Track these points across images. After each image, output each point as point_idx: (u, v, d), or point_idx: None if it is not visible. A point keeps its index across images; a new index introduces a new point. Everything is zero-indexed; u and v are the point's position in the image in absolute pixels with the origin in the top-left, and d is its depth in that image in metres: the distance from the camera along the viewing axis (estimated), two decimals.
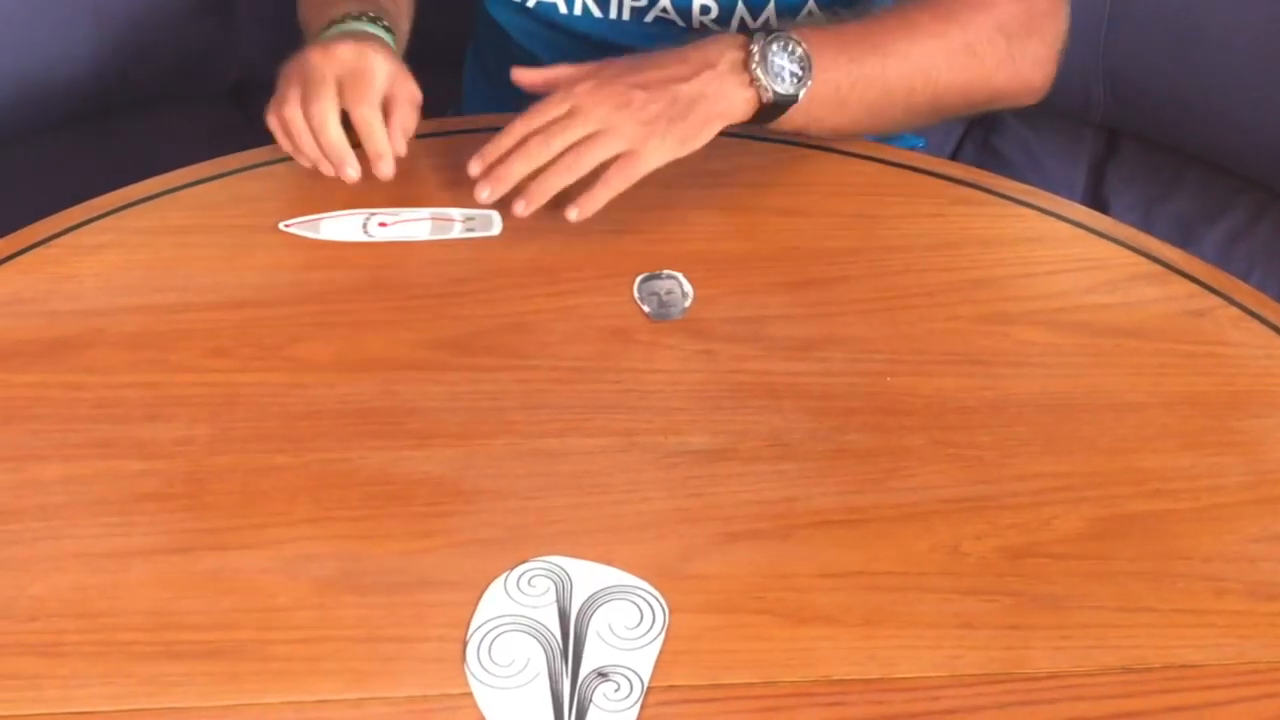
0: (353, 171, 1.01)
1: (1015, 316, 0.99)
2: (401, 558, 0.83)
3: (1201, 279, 1.02)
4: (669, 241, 1.03)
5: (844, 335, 0.97)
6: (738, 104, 1.03)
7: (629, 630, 0.79)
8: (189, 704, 0.76)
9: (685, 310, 0.98)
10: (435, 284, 0.99)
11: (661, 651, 0.78)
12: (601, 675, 0.77)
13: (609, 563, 0.82)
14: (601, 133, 1.00)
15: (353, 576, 0.81)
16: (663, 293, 0.99)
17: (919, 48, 1.07)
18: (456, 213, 1.04)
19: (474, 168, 1.01)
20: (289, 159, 1.07)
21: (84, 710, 0.75)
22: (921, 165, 1.12)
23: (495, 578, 0.81)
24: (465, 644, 0.78)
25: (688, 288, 1.00)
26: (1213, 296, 1.00)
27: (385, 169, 1.01)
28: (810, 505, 0.86)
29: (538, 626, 0.79)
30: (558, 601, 0.80)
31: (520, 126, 1.01)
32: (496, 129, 1.03)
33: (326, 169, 1.02)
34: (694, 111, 1.02)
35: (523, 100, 1.05)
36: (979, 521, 0.85)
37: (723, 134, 1.07)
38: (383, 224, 1.03)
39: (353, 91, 1.01)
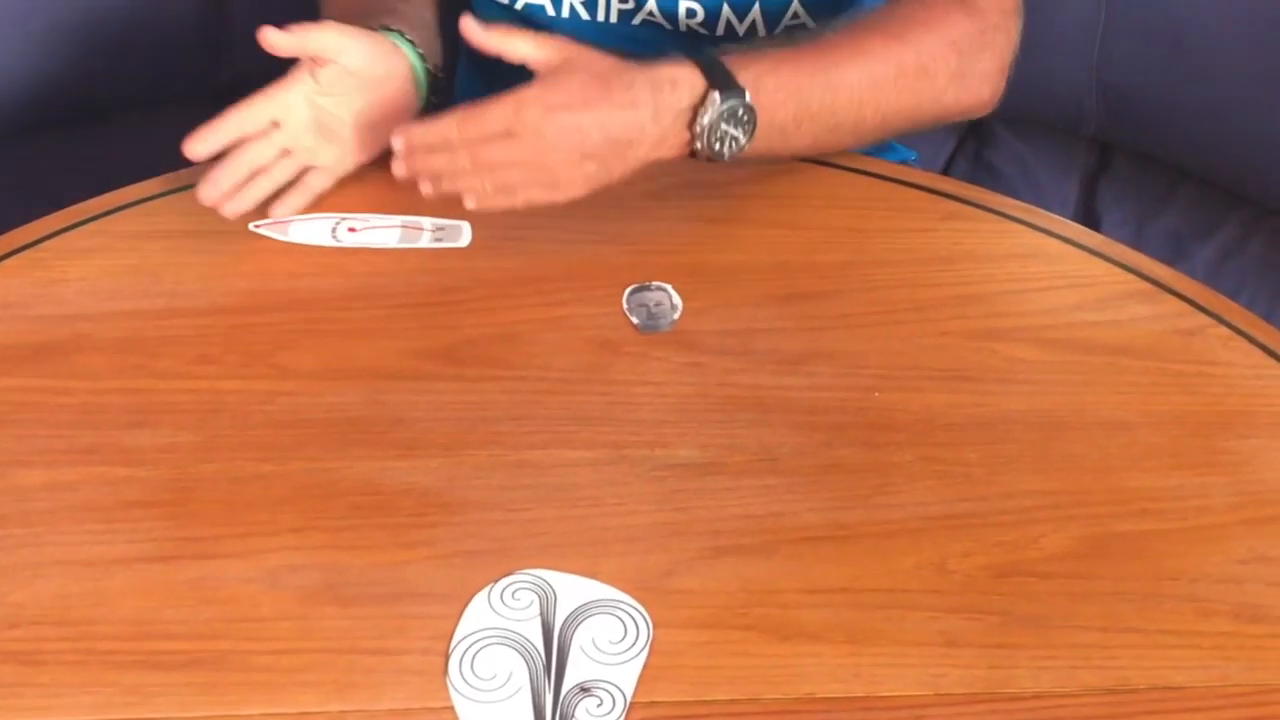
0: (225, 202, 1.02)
1: (1005, 333, 0.99)
2: (385, 569, 0.82)
3: (1192, 298, 1.02)
4: (658, 253, 1.03)
5: (833, 350, 0.97)
6: (673, 151, 1.02)
7: (613, 645, 0.79)
8: (169, 714, 0.75)
9: (674, 322, 0.98)
10: (424, 293, 0.99)
11: (645, 667, 0.78)
12: (584, 690, 0.77)
13: (594, 576, 0.82)
14: (531, 167, 0.99)
15: (336, 587, 0.81)
16: (652, 304, 0.99)
17: (869, 76, 1.06)
18: (427, 221, 1.04)
19: (397, 143, 1.00)
20: None
21: (63, 719, 0.75)
22: (913, 180, 1.12)
23: (479, 590, 0.81)
24: (448, 657, 0.78)
25: (677, 300, 0.99)
26: (1203, 315, 1.00)
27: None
28: (797, 521, 0.86)
29: (521, 640, 0.79)
30: (541, 615, 0.80)
31: (454, 128, 0.99)
32: None
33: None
34: (626, 156, 1.00)
35: None
36: (966, 539, 0.85)
37: None
38: (352, 229, 1.03)
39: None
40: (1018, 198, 1.12)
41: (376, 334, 0.96)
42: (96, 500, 0.85)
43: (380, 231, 1.03)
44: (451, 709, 0.76)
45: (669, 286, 1.00)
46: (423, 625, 0.79)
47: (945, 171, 1.57)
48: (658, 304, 0.99)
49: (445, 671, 0.77)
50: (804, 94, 1.05)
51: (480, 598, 0.81)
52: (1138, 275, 1.03)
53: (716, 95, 1.00)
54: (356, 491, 0.86)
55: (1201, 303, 1.01)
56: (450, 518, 0.85)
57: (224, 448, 0.88)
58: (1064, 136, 1.57)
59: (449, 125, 0.99)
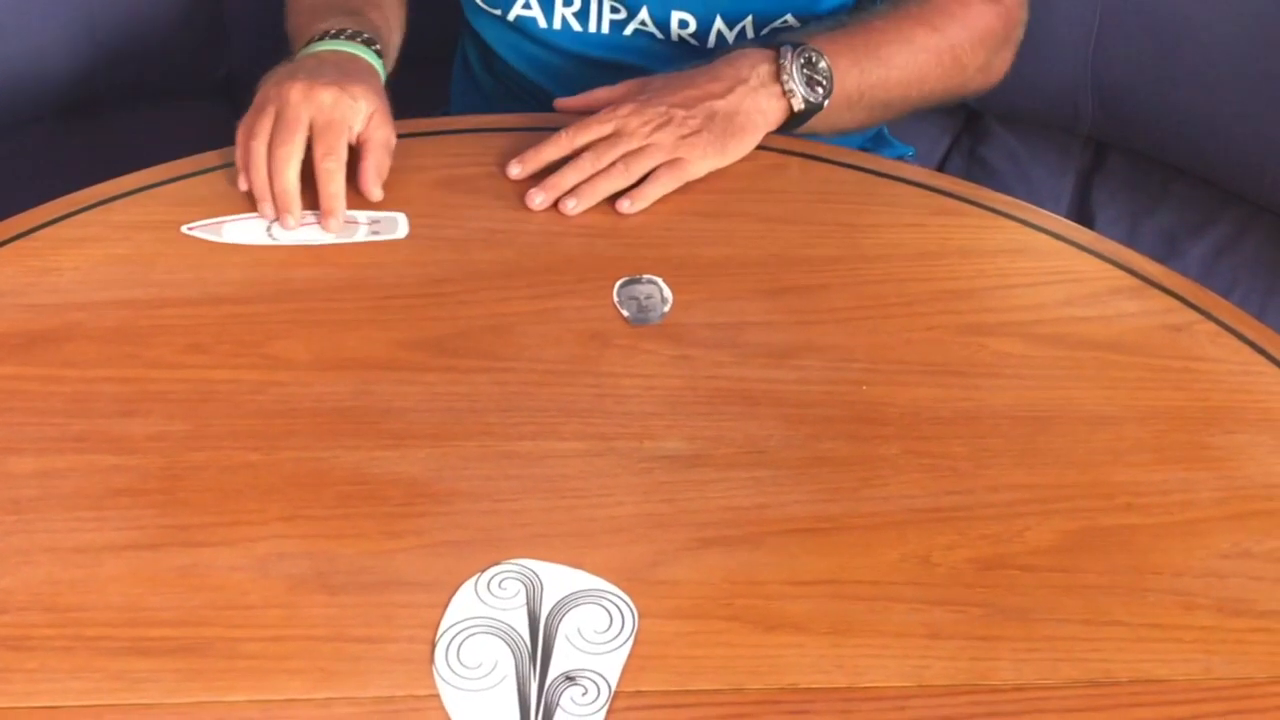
0: (293, 222, 1.01)
1: (993, 328, 0.99)
2: (373, 558, 0.83)
3: (1181, 294, 1.02)
4: (649, 246, 1.03)
5: (822, 343, 0.97)
6: (771, 115, 1.09)
7: (598, 634, 0.79)
8: (156, 700, 0.76)
9: (664, 315, 0.98)
10: (414, 284, 0.99)
11: (630, 656, 0.78)
12: (569, 679, 0.77)
13: (580, 566, 0.82)
14: (647, 148, 1.05)
15: (324, 576, 0.82)
16: (642, 297, 0.99)
17: (915, 60, 1.15)
18: (362, 215, 1.04)
19: (515, 170, 1.06)
20: None
21: (51, 705, 0.75)
22: (904, 175, 1.12)
23: (466, 579, 0.81)
24: (434, 645, 0.78)
25: (667, 293, 1.00)
26: (1191, 312, 1.01)
27: (333, 225, 1.02)
28: (783, 513, 0.86)
29: (507, 629, 0.79)
30: (527, 604, 0.80)
31: (566, 140, 1.06)
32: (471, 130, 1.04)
33: (267, 211, 1.02)
34: (732, 124, 1.08)
35: (510, 108, 1.06)
36: (950, 532, 0.86)
37: None
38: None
39: (322, 140, 1.02)
40: (1012, 194, 1.12)
41: (366, 325, 0.96)
42: (86, 488, 0.85)
43: (315, 228, 1.02)
44: (437, 697, 0.76)
45: (660, 279, 1.01)
46: (410, 614, 0.80)
47: (940, 168, 1.58)
48: (648, 297, 0.99)
49: (431, 660, 0.78)
50: (863, 66, 1.13)
51: (467, 587, 0.81)
52: (1127, 271, 1.04)
53: (789, 50, 1.09)
54: (345, 481, 0.86)
55: (1190, 299, 1.01)
56: (438, 507, 0.85)
57: (214, 437, 0.89)
58: (1059, 134, 1.57)
59: (558, 139, 1.06)
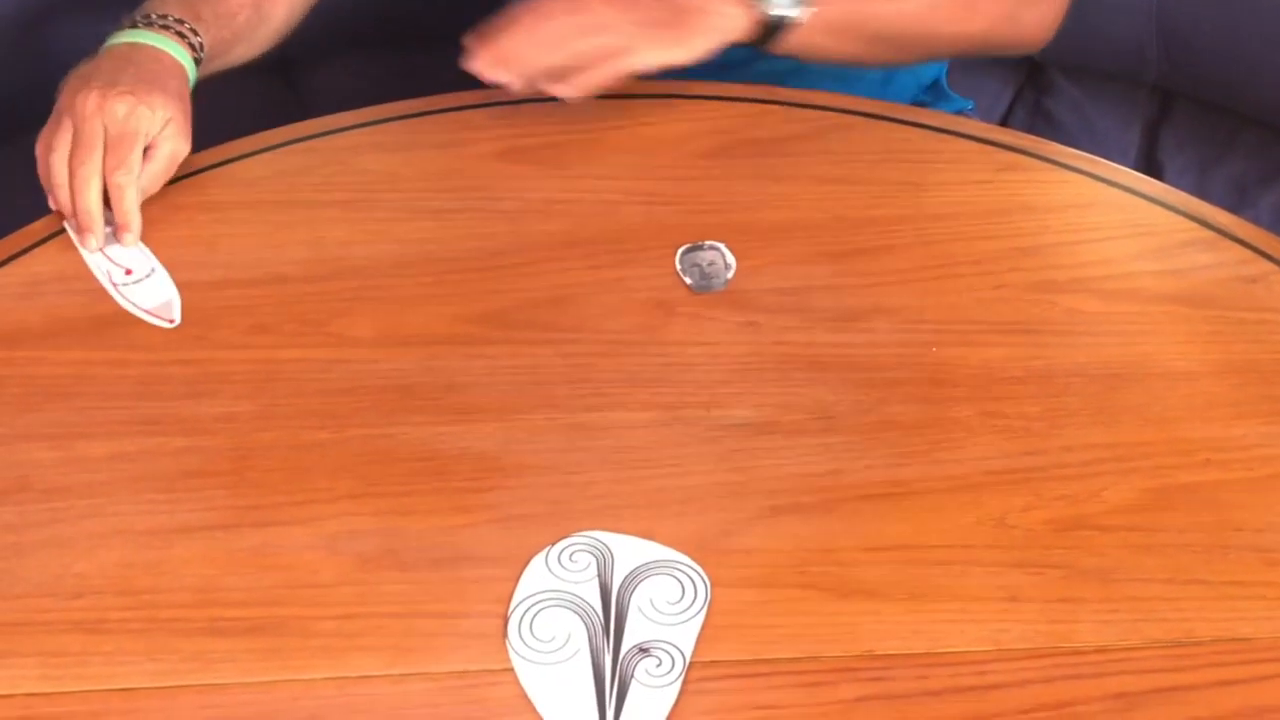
0: (94, 242, 0.99)
1: (1064, 285, 0.97)
2: (443, 534, 0.82)
3: (1255, 244, 1.00)
4: (711, 212, 1.02)
5: (889, 305, 0.96)
6: (735, 20, 1.06)
7: (671, 605, 0.79)
8: (232, 680, 0.76)
9: (728, 281, 0.97)
10: (475, 258, 0.99)
11: (703, 626, 0.78)
12: (643, 650, 0.77)
13: (651, 537, 0.82)
14: (601, 26, 1.04)
15: (395, 553, 0.81)
16: (705, 264, 0.98)
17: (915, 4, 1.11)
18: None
19: (472, 41, 1.04)
20: (330, 133, 1.08)
21: (128, 687, 0.76)
22: (969, 131, 1.10)
23: (536, 553, 0.81)
24: (506, 619, 0.78)
25: (730, 259, 0.99)
26: (1266, 262, 0.98)
27: (127, 240, 0.99)
28: (855, 479, 0.85)
29: (579, 602, 0.79)
30: (599, 576, 0.80)
31: (524, 14, 1.04)
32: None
33: (74, 227, 1.00)
34: (690, 20, 1.05)
35: None
36: (1026, 494, 0.84)
37: (764, 102, 1.06)
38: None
39: (114, 153, 0.99)
40: (1077, 147, 1.10)
41: (428, 300, 0.96)
42: (157, 470, 0.86)
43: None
44: (511, 671, 0.76)
45: (722, 245, 0.99)
46: (481, 588, 0.80)
47: (1003, 122, 1.56)
48: (711, 263, 0.98)
49: (505, 634, 0.77)
50: None
51: (538, 560, 0.81)
52: (1199, 223, 1.02)
53: None
54: (413, 457, 0.86)
55: (1265, 249, 0.99)
56: (506, 481, 0.85)
57: (281, 416, 0.89)
58: (1124, 84, 1.55)
59: (516, 14, 1.03)
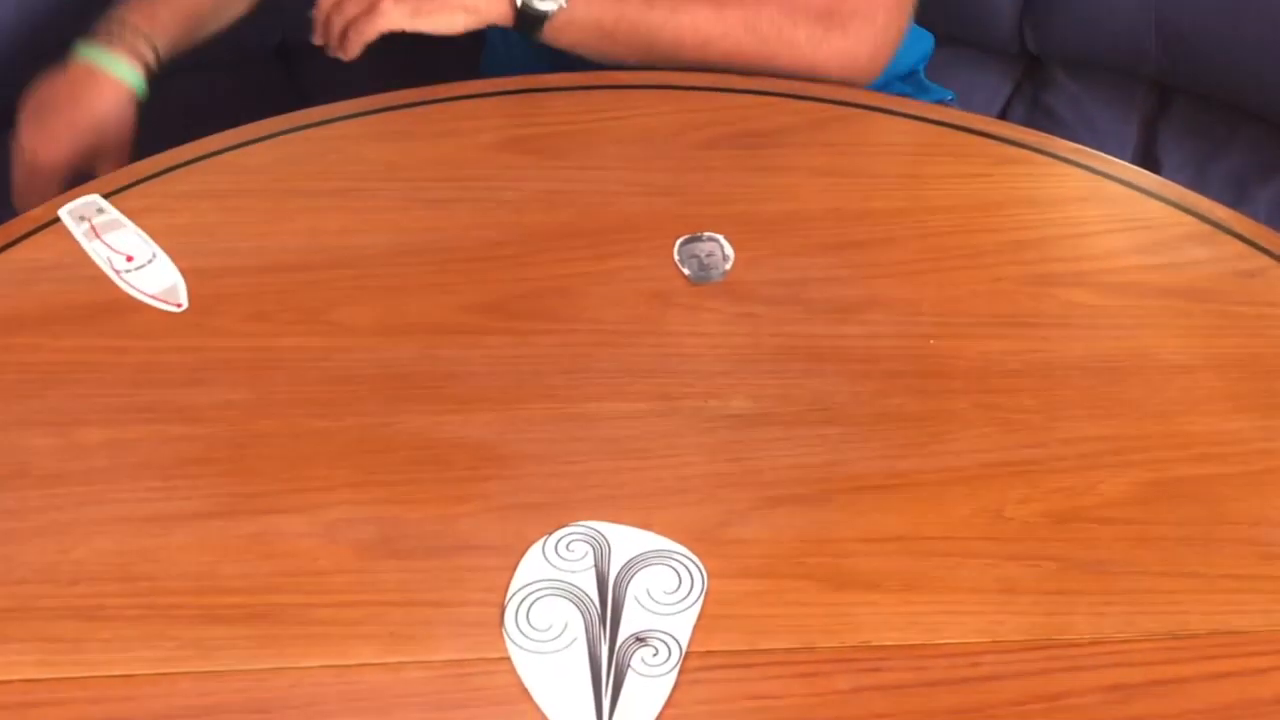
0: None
1: (1062, 278, 0.97)
2: (440, 522, 0.83)
3: (1253, 239, 1.00)
4: (709, 203, 1.02)
5: (888, 297, 0.96)
6: (492, 5, 1.09)
7: (667, 595, 0.79)
8: (229, 667, 0.76)
9: (726, 273, 0.97)
10: (474, 247, 0.99)
11: (700, 616, 0.78)
12: (640, 640, 0.77)
13: (648, 527, 0.82)
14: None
15: (392, 541, 0.82)
16: (703, 255, 0.98)
17: (686, 8, 1.11)
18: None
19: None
20: (330, 122, 1.08)
21: (125, 673, 0.76)
22: (968, 124, 1.11)
23: (534, 542, 0.81)
24: (503, 608, 0.78)
25: (729, 250, 0.99)
26: (1263, 257, 0.99)
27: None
28: (852, 470, 0.85)
29: (576, 591, 0.79)
30: (596, 566, 0.80)
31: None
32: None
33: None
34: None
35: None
36: (1023, 486, 0.84)
37: (764, 93, 1.06)
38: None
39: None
40: (1076, 141, 1.10)
41: (427, 289, 0.96)
42: (155, 457, 0.86)
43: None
44: (508, 659, 0.76)
45: (720, 237, 1.00)
46: (478, 577, 0.80)
47: (1002, 116, 1.56)
48: (709, 255, 0.99)
49: (501, 623, 0.77)
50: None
51: (535, 550, 0.81)
52: (1197, 217, 1.02)
53: None
54: (411, 446, 0.86)
55: (1262, 244, 0.99)
56: (504, 471, 0.85)
57: (280, 404, 0.89)
58: (1123, 78, 1.54)
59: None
